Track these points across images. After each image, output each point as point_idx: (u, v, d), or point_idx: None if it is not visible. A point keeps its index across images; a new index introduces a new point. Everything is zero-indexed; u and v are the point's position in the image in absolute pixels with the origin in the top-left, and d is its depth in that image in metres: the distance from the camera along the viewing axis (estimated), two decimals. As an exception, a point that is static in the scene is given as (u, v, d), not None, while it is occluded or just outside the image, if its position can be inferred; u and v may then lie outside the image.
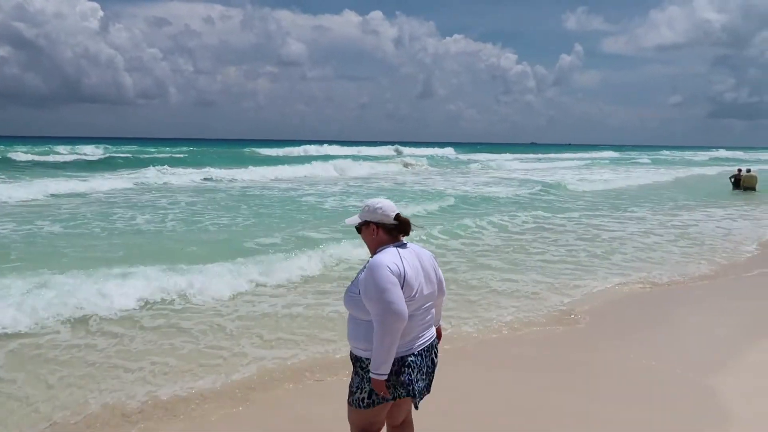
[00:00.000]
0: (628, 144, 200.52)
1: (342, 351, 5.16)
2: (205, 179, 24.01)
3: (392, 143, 65.70)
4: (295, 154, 50.73)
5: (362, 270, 2.69)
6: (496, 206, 16.23)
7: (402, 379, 2.63)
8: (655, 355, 5.26)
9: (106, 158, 36.67)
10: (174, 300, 6.59)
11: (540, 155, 68.21)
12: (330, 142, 67.50)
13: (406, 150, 59.43)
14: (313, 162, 32.55)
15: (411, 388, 2.64)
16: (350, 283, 2.78)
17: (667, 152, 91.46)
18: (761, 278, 8.33)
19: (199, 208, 15.05)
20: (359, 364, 2.70)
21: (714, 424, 3.98)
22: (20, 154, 35.71)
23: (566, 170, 38.68)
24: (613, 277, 8.10)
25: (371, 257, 2.72)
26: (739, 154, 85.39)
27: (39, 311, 5.80)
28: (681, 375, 4.82)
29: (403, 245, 2.80)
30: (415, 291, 2.64)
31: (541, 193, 21.06)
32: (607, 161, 55.13)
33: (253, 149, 56.41)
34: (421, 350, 2.72)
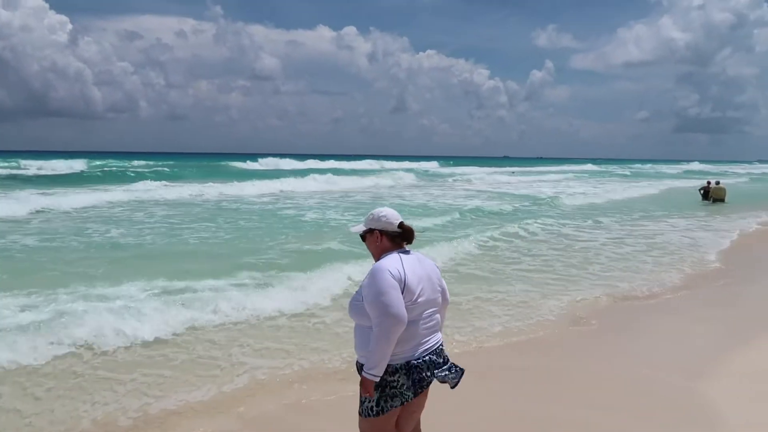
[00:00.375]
0: (598, 157, 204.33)
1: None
2: (193, 195, 23.24)
3: (366, 157, 65.81)
4: (282, 167, 50.58)
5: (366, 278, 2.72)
6: (500, 220, 16.06)
7: (408, 383, 2.66)
8: (646, 363, 5.34)
9: (77, 173, 35.97)
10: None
11: (526, 168, 68.63)
12: (304, 156, 67.29)
13: (386, 164, 59.49)
14: (305, 176, 32.30)
15: (418, 385, 2.67)
16: (355, 292, 2.81)
17: (641, 165, 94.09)
18: (728, 288, 8.61)
19: (209, 224, 14.43)
20: None
21: (704, 430, 4.05)
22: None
23: (555, 183, 39.04)
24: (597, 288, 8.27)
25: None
26: (708, 167, 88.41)
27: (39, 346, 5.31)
28: (672, 382, 4.87)
29: (406, 252, 2.84)
30: (416, 295, 2.67)
31: (538, 205, 21.19)
32: (587, 174, 56.18)
33: (228, 162, 55.76)
34: (426, 355, 2.73)
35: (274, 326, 6.30)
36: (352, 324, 2.84)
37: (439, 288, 2.87)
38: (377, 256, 2.84)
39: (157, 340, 5.74)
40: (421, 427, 3.04)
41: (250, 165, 52.56)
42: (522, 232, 13.60)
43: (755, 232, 14.93)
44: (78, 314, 6.03)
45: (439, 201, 22.86)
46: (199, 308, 6.51)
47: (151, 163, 51.55)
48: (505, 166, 72.79)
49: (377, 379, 2.61)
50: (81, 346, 5.47)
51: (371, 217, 2.89)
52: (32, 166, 41.43)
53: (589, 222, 16.33)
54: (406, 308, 2.61)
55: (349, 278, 7.96)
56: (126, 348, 5.55)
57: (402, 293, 2.61)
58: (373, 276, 2.64)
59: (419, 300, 2.69)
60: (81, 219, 15.05)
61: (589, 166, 79.49)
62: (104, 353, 5.40)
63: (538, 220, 15.73)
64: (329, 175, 35.00)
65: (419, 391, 2.72)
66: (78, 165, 42.98)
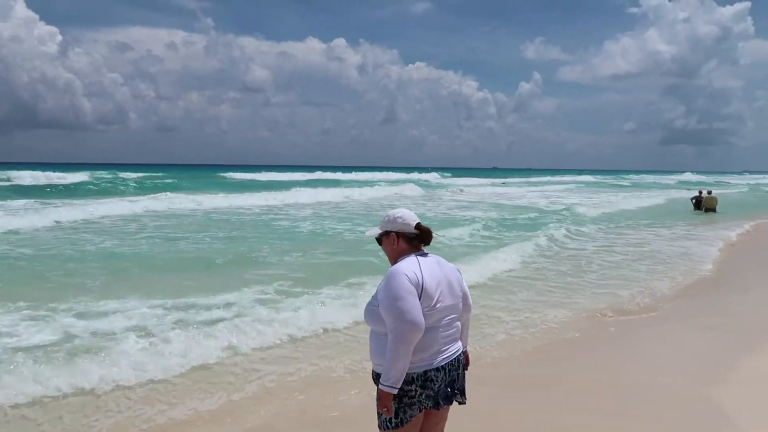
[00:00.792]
0: (586, 168, 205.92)
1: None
2: (197, 205, 22.89)
3: (357, 168, 66.00)
4: (283, 178, 50.36)
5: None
6: (526, 230, 15.90)
7: (427, 392, 2.54)
8: (656, 371, 5.28)
9: (76, 183, 35.48)
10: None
11: (528, 179, 68.89)
12: (294, 168, 67.14)
13: (380, 175, 59.51)
14: (305, 186, 32.44)
15: (437, 399, 2.57)
16: (371, 297, 2.67)
17: (635, 176, 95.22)
18: (722, 297, 8.67)
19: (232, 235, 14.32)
20: None
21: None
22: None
23: (566, 194, 39.17)
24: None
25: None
26: (703, 177, 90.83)
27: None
28: (680, 388, 4.85)
29: (424, 254, 2.70)
30: (434, 301, 2.52)
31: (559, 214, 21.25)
32: (583, 185, 56.77)
33: (222, 174, 55.40)
34: (444, 364, 2.60)
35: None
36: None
37: (460, 293, 2.70)
38: (394, 260, 2.70)
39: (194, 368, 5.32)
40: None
41: (242, 175, 52.26)
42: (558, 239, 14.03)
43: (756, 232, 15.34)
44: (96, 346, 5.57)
45: (455, 213, 22.35)
46: (237, 334, 5.98)
47: (141, 174, 51.22)
48: (496, 177, 73.11)
49: (395, 392, 2.46)
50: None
51: (387, 219, 2.75)
52: (25, 177, 40.82)
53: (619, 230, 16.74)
54: (424, 314, 2.47)
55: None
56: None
57: (419, 298, 2.47)
58: (389, 280, 2.50)
59: (437, 306, 2.54)
60: (72, 230, 14.77)
61: (587, 177, 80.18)
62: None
63: (566, 227, 16.17)
64: (342, 188, 34.94)
65: (439, 406, 2.61)
66: (69, 177, 42.52)
